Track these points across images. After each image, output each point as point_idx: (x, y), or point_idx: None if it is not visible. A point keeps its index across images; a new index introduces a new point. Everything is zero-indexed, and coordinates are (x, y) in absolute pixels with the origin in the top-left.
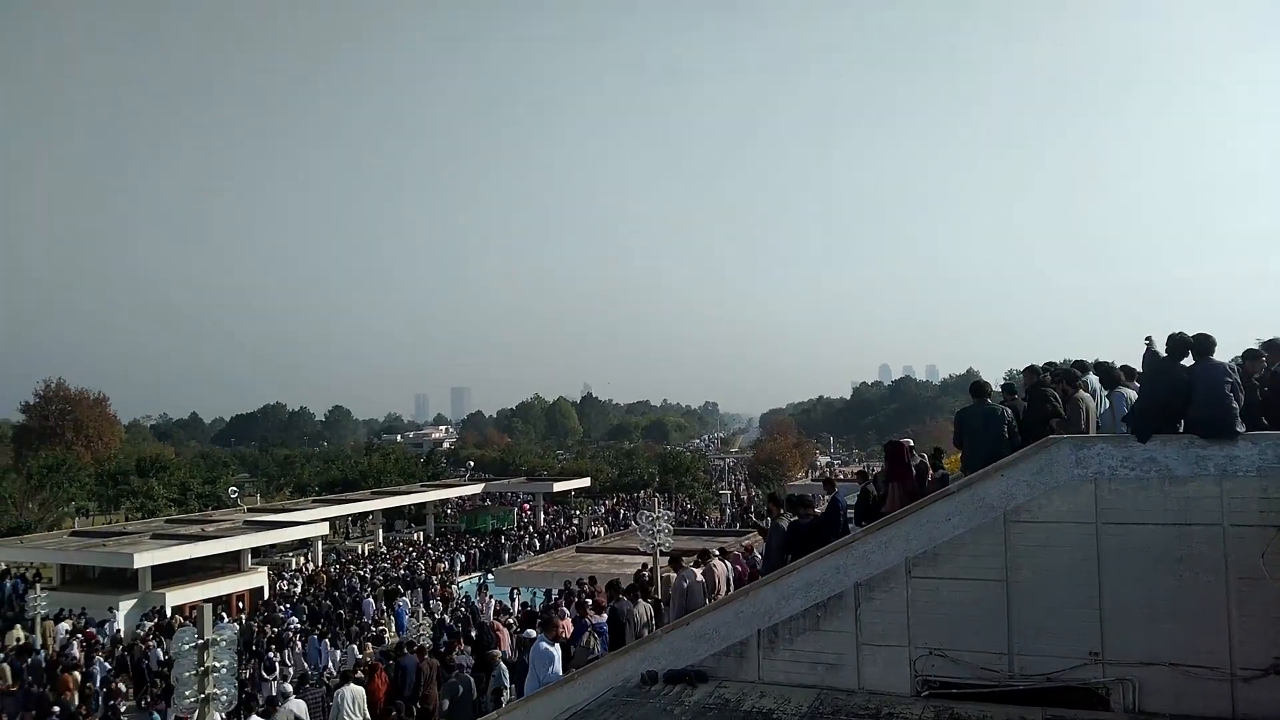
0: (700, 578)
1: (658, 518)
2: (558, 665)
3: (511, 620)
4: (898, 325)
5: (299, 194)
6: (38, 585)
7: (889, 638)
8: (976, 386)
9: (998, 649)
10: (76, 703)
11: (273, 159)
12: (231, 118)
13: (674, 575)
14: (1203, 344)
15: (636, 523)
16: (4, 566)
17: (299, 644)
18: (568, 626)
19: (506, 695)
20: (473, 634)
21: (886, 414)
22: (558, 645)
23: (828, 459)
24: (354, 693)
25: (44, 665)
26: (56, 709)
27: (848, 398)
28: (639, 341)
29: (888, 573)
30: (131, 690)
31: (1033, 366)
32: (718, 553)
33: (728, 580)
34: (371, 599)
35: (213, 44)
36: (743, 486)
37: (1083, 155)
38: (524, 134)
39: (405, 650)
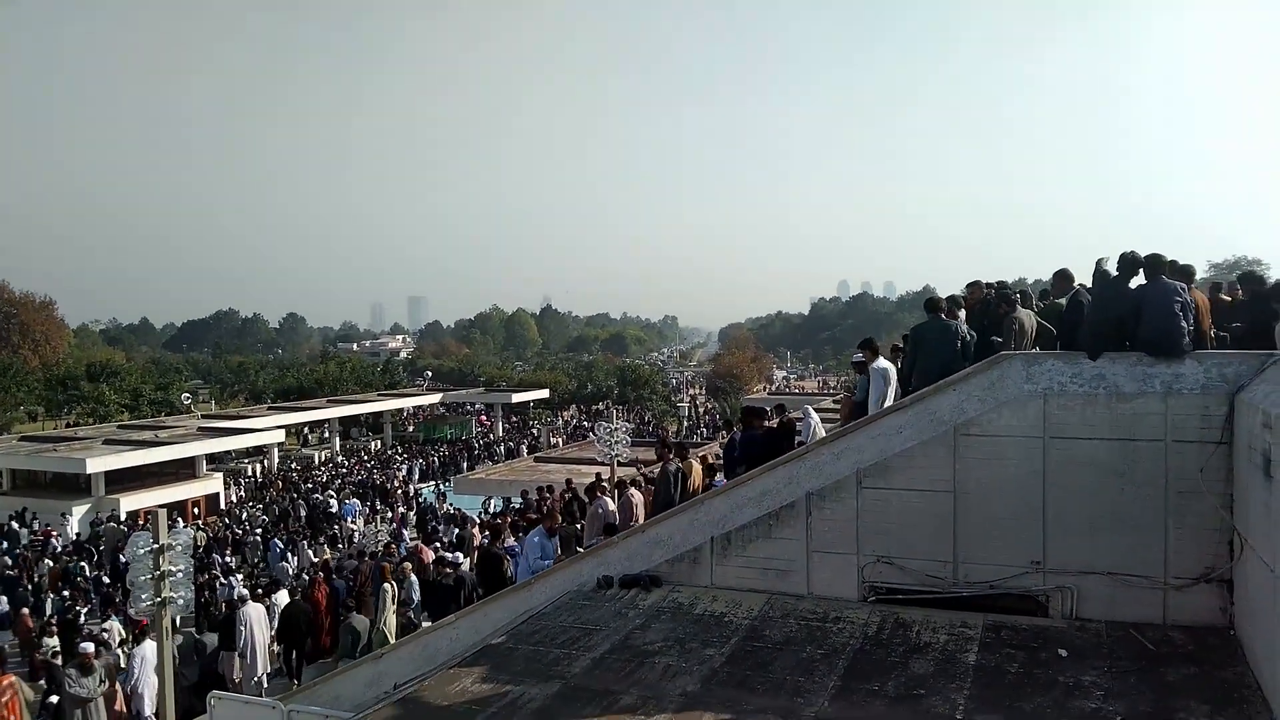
0: (613, 507)
1: (616, 429)
2: (548, 558)
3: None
4: (858, 242)
5: (258, 96)
6: None
7: (838, 546)
8: (930, 302)
9: (943, 558)
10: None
11: (233, 58)
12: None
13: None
14: (1154, 263)
15: (595, 434)
16: None
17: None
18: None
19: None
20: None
21: (843, 329)
22: (555, 539)
23: (784, 373)
24: (255, 611)
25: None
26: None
27: (806, 313)
28: (600, 254)
29: (839, 483)
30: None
31: (976, 282)
32: (641, 481)
33: (645, 507)
34: (335, 501)
35: None
36: (701, 399)
37: (1069, 68)
38: (486, 39)
39: (355, 557)
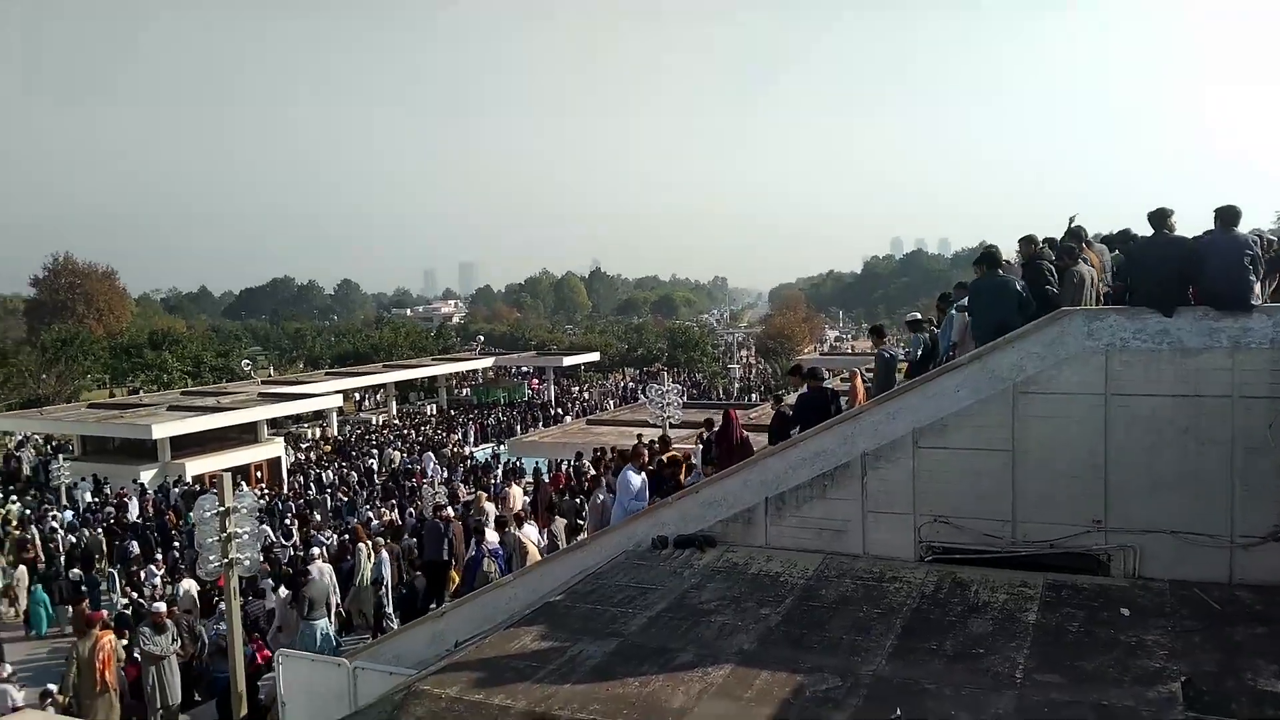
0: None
1: (667, 391)
2: (643, 493)
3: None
4: (912, 198)
5: (309, 72)
6: (60, 455)
7: (894, 505)
8: (987, 256)
9: (1002, 517)
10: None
11: (287, 39)
12: None
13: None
14: (1226, 215)
15: (646, 396)
16: (22, 437)
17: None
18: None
19: None
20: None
21: (897, 287)
22: (643, 475)
23: (836, 333)
24: (322, 570)
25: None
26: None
27: (858, 272)
28: (648, 216)
29: (895, 443)
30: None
31: (1029, 237)
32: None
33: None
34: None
35: None
36: (751, 360)
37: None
38: (531, 6)
39: (433, 513)
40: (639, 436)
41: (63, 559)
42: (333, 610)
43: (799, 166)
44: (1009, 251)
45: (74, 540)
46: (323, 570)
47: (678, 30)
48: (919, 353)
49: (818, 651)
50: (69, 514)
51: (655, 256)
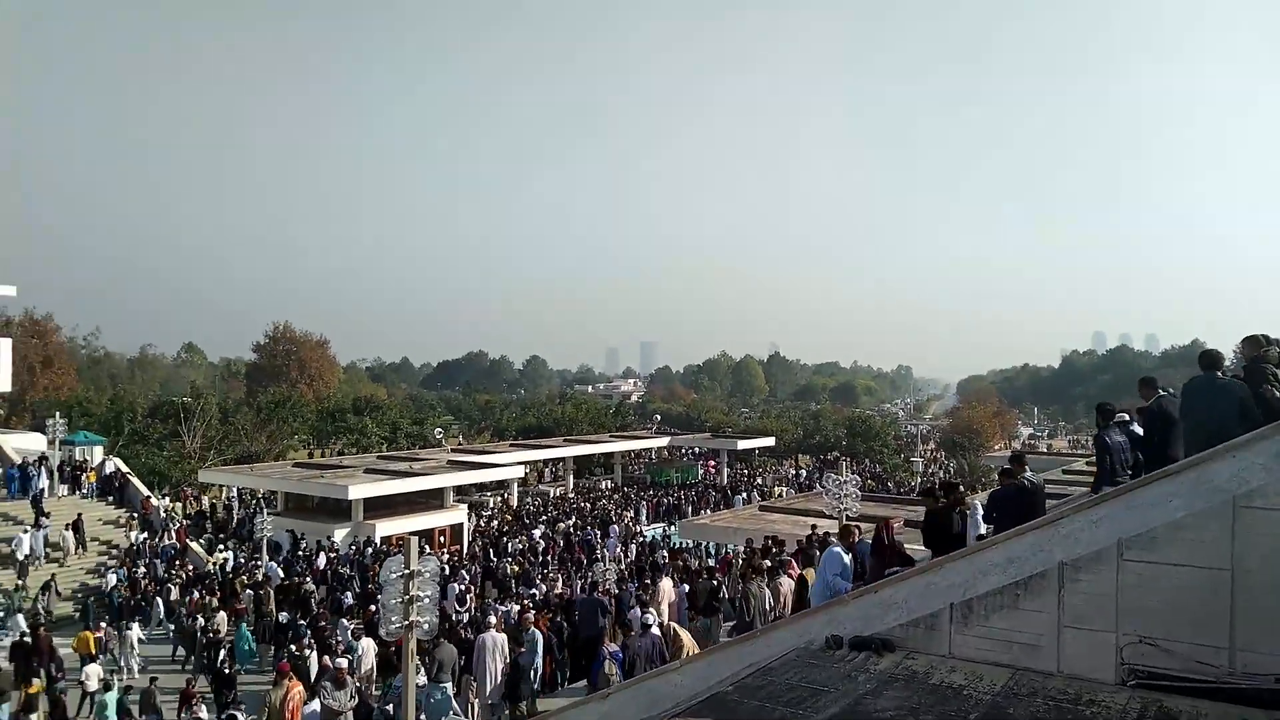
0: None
1: (845, 481)
2: (848, 573)
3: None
4: (1115, 290)
5: (514, 156)
6: (265, 510)
7: (1094, 621)
8: (1206, 357)
9: (1218, 642)
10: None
11: (485, 116)
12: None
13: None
14: None
15: (822, 485)
16: (236, 491)
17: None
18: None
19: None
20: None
21: (1099, 385)
22: (850, 554)
23: (1030, 430)
24: (494, 639)
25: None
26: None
27: (1056, 366)
28: (830, 301)
29: (1097, 553)
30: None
31: (1254, 336)
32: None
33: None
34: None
35: None
36: (936, 454)
37: None
38: (710, 92)
39: (592, 590)
40: (813, 527)
41: (272, 605)
42: (457, 675)
43: (994, 254)
44: (1228, 352)
45: (288, 587)
46: (495, 640)
47: (877, 114)
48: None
49: None
50: (274, 565)
51: (836, 341)
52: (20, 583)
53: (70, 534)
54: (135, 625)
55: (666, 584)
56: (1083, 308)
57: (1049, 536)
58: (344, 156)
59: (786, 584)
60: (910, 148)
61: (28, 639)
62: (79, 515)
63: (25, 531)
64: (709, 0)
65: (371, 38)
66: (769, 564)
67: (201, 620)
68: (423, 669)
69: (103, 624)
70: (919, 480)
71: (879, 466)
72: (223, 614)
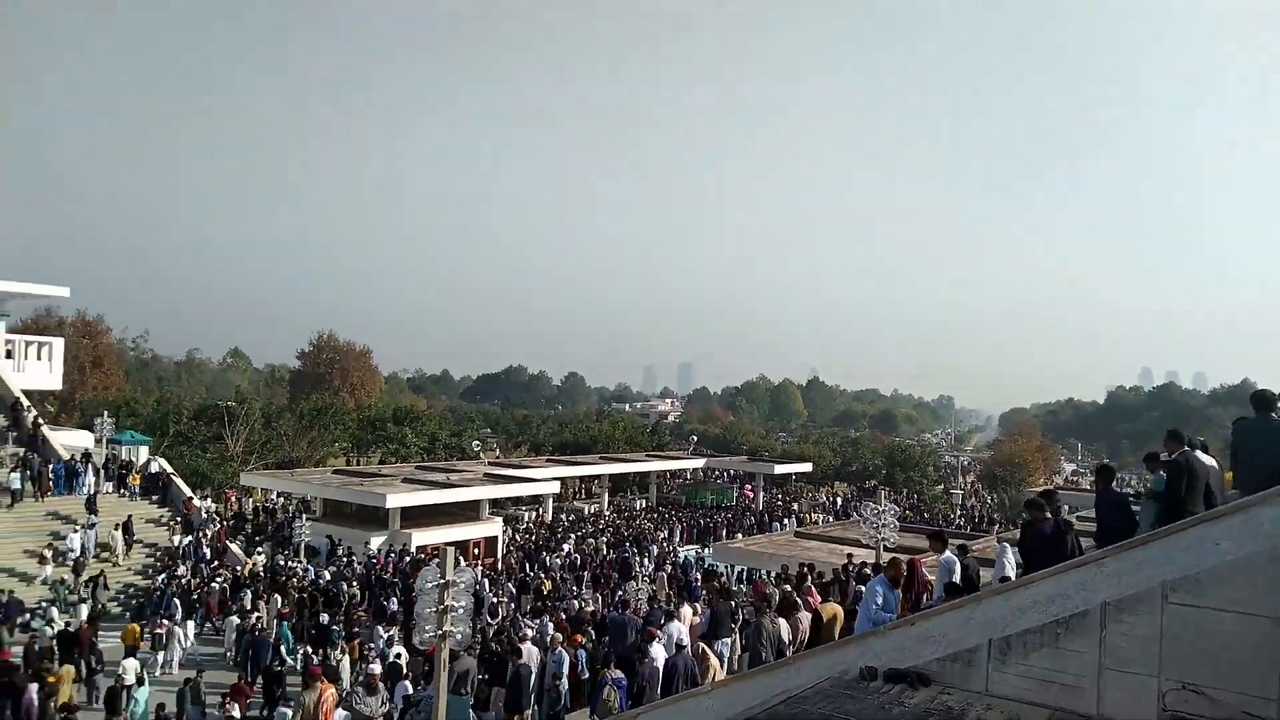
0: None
1: (884, 511)
2: (890, 610)
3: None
4: (1163, 326)
5: (562, 175)
6: (304, 515)
7: (1136, 665)
8: (1260, 397)
9: (1266, 694)
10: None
11: (529, 129)
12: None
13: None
14: None
15: (860, 513)
16: (277, 495)
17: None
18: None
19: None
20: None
21: (1145, 422)
22: (897, 591)
23: (1074, 467)
24: (530, 654)
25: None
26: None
27: (1101, 401)
28: (871, 326)
29: (1140, 595)
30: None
31: None
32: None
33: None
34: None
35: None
36: (976, 486)
37: None
38: (760, 114)
39: (623, 609)
40: (849, 556)
41: (316, 607)
42: (475, 687)
43: (1040, 286)
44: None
45: (330, 591)
46: (532, 653)
47: (930, 140)
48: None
49: None
50: (319, 569)
51: (877, 369)
52: (68, 578)
53: (120, 534)
54: (189, 623)
55: (686, 610)
56: (1130, 343)
57: (1092, 575)
58: (393, 170)
59: (805, 618)
60: (964, 176)
61: (71, 628)
62: (129, 516)
63: (77, 530)
64: (759, 13)
65: (418, 43)
66: (780, 598)
67: (243, 620)
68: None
69: (163, 620)
70: (957, 512)
71: (918, 497)
72: (268, 613)
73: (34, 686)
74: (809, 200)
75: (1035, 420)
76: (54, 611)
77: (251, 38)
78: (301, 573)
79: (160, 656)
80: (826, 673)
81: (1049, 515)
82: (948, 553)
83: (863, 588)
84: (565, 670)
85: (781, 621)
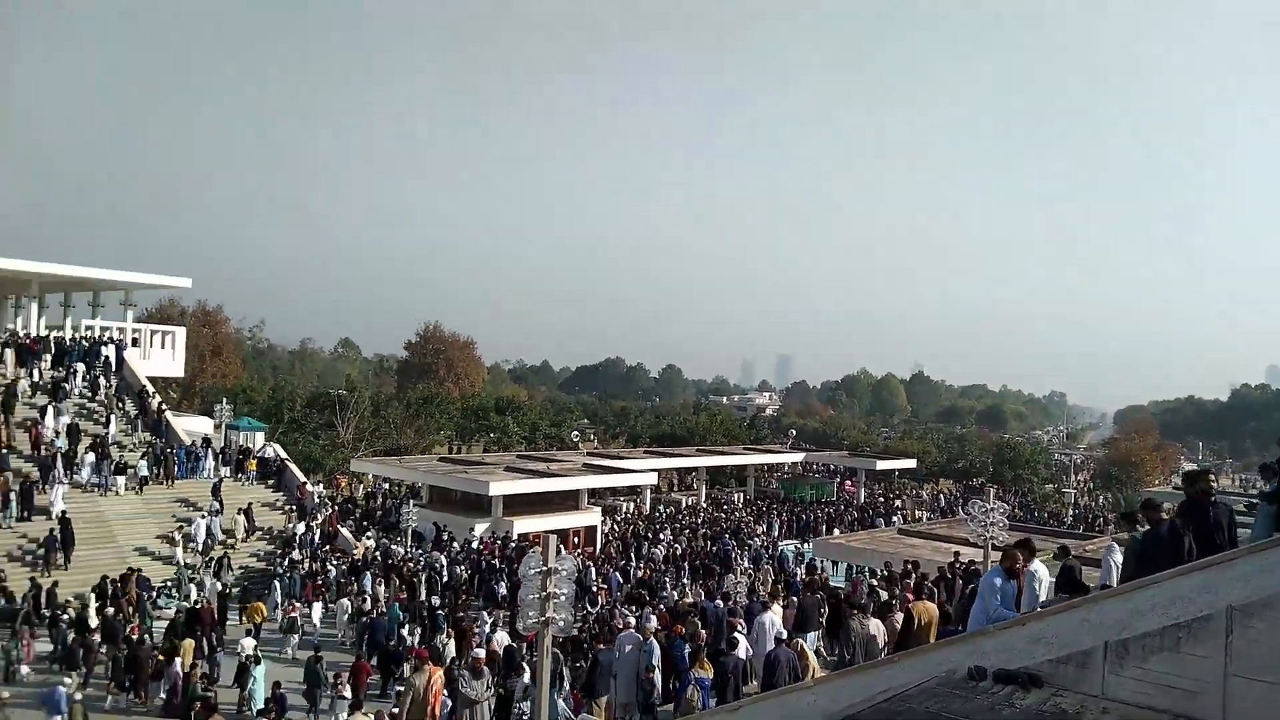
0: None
1: (992, 509)
2: (1010, 606)
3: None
4: None
5: (653, 163)
6: (411, 501)
7: (1266, 672)
8: None
9: None
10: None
11: (626, 132)
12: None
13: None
14: None
15: (967, 511)
16: (384, 482)
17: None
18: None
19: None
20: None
21: (1273, 422)
22: (1013, 582)
23: (1193, 466)
24: (770, 619)
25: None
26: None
27: (1224, 399)
28: (979, 320)
29: (1271, 599)
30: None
31: None
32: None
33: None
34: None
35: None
36: (1089, 485)
37: None
38: (856, 109)
39: (723, 601)
40: (956, 554)
41: (423, 589)
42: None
43: (1157, 281)
44: None
45: (445, 575)
46: (626, 642)
47: (1037, 130)
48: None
49: None
50: (435, 554)
51: (984, 364)
52: (194, 560)
53: (241, 519)
54: (316, 605)
55: (776, 608)
56: (1255, 340)
57: (1218, 578)
58: (498, 170)
59: (899, 619)
60: (1064, 163)
61: (198, 606)
62: (249, 504)
63: (203, 516)
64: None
65: (533, 24)
66: (873, 599)
67: (356, 602)
68: (527, 669)
69: (295, 603)
70: (1070, 512)
71: (1028, 496)
72: (383, 595)
73: (177, 661)
74: (914, 194)
75: (1153, 418)
76: (188, 589)
77: (376, 33)
78: (412, 557)
79: (294, 639)
80: (932, 672)
81: (1164, 517)
82: (1037, 562)
83: (1030, 569)
84: (656, 661)
85: (875, 622)
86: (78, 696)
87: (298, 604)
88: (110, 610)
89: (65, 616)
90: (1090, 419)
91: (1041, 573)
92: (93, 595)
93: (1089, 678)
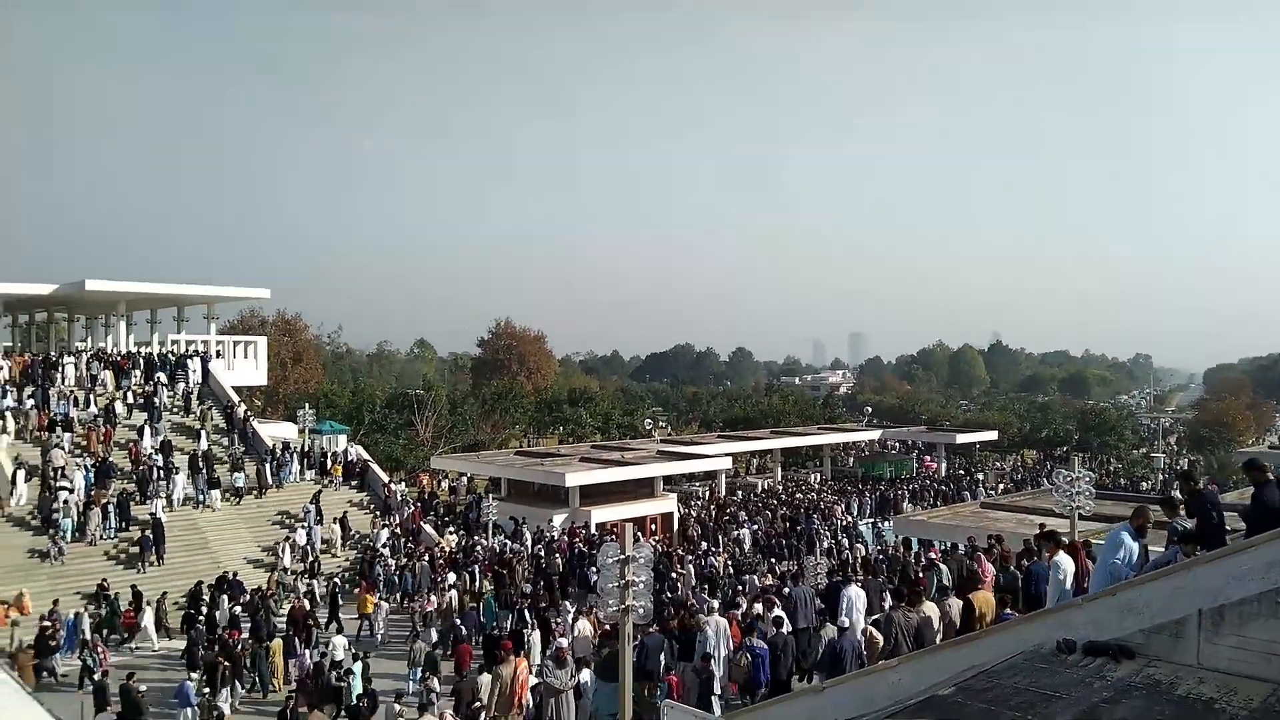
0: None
1: (1077, 478)
2: (1132, 565)
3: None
4: None
5: (718, 149)
6: (490, 495)
7: None
8: None
9: None
10: None
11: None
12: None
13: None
14: None
15: (1052, 482)
16: (463, 477)
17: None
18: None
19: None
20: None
21: None
22: (1141, 541)
23: None
24: (855, 593)
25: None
26: None
27: None
28: (1058, 285)
29: None
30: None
31: None
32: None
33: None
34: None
35: None
36: (1178, 449)
37: None
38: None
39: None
40: (1041, 526)
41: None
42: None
43: (1244, 233)
44: None
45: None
46: (719, 624)
47: (1109, 86)
48: None
49: None
50: (506, 546)
51: (1065, 329)
52: (289, 566)
53: (338, 528)
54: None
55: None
56: None
57: None
58: (565, 162)
59: (955, 604)
60: (1149, 119)
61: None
62: (344, 513)
63: (304, 526)
64: None
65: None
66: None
67: (441, 596)
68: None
69: (416, 596)
70: (1159, 477)
71: (1115, 463)
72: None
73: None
74: (983, 157)
75: (1245, 377)
76: (296, 591)
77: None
78: (497, 548)
79: (432, 633)
80: (1019, 647)
81: (1270, 477)
82: (1061, 554)
83: (1055, 560)
84: (724, 646)
85: (929, 606)
86: (205, 691)
87: (418, 597)
88: (238, 609)
89: (201, 618)
90: (1178, 381)
91: (1066, 564)
92: (225, 598)
93: (1182, 647)
